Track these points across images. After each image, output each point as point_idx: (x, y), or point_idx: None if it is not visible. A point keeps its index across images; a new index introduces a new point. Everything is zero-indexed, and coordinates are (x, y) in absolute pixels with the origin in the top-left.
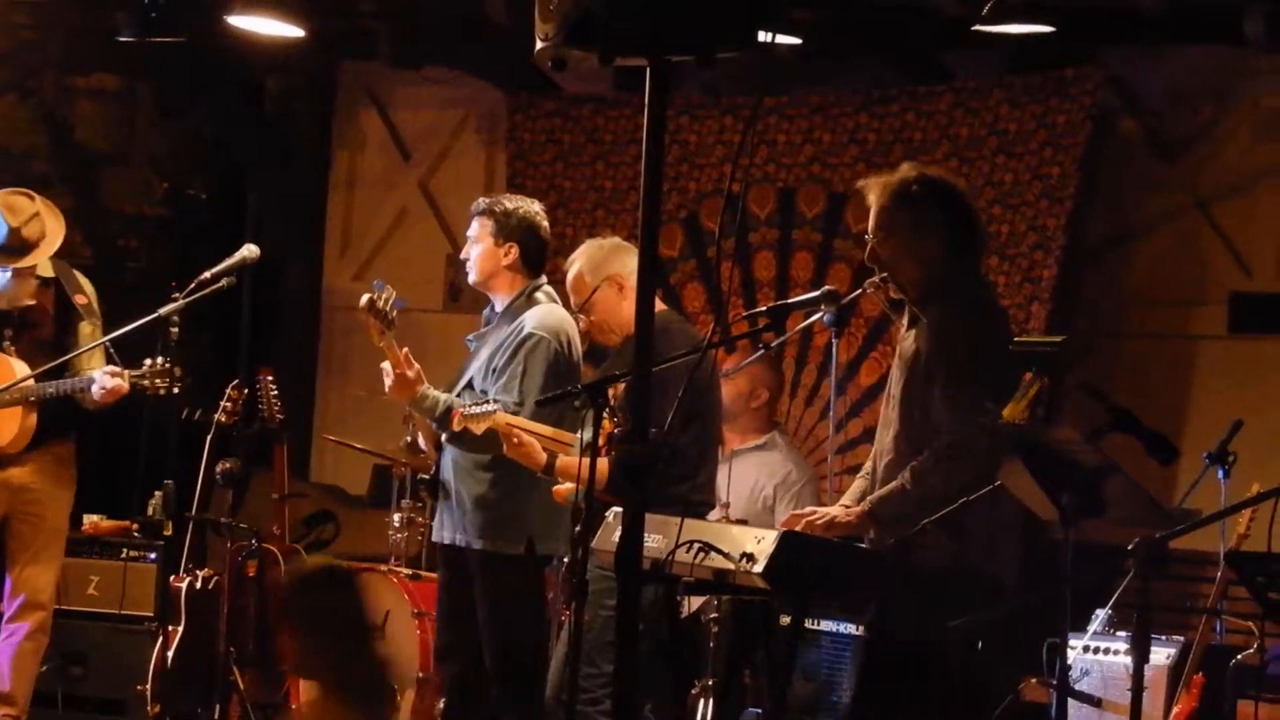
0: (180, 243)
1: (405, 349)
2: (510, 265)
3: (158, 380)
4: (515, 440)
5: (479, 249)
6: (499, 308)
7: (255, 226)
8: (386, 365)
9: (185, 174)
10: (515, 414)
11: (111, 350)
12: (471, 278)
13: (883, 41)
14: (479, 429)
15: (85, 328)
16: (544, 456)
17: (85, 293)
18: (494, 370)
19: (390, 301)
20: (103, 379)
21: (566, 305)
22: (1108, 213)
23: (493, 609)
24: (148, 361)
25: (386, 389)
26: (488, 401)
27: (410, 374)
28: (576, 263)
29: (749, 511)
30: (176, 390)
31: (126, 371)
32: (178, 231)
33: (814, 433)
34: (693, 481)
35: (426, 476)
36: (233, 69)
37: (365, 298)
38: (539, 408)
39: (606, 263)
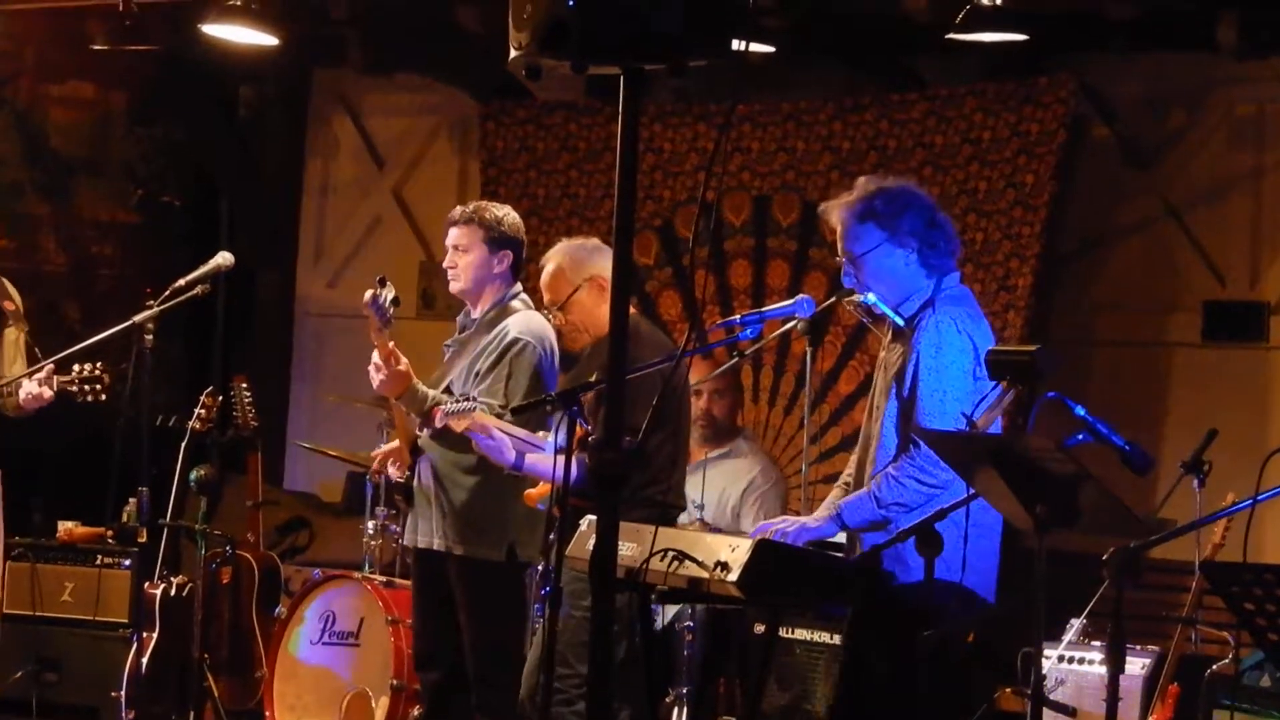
0: (154, 250)
1: (393, 343)
2: (500, 273)
3: (85, 386)
4: (485, 434)
5: (470, 257)
6: (477, 314)
7: (229, 234)
8: (377, 359)
9: (159, 181)
10: (500, 417)
11: (40, 357)
12: (458, 286)
13: (855, 49)
14: (459, 427)
15: (10, 334)
16: (513, 454)
17: (12, 298)
18: (477, 374)
19: (390, 299)
20: (29, 385)
21: (539, 306)
22: (1081, 220)
23: (474, 615)
24: (75, 367)
25: (375, 385)
26: (469, 399)
27: (401, 368)
28: (554, 260)
29: (718, 519)
30: (104, 397)
31: (56, 378)
32: (152, 239)
33: (794, 441)
34: (665, 484)
35: (401, 481)
36: (206, 77)
37: (368, 293)
38: (513, 415)
39: (589, 262)
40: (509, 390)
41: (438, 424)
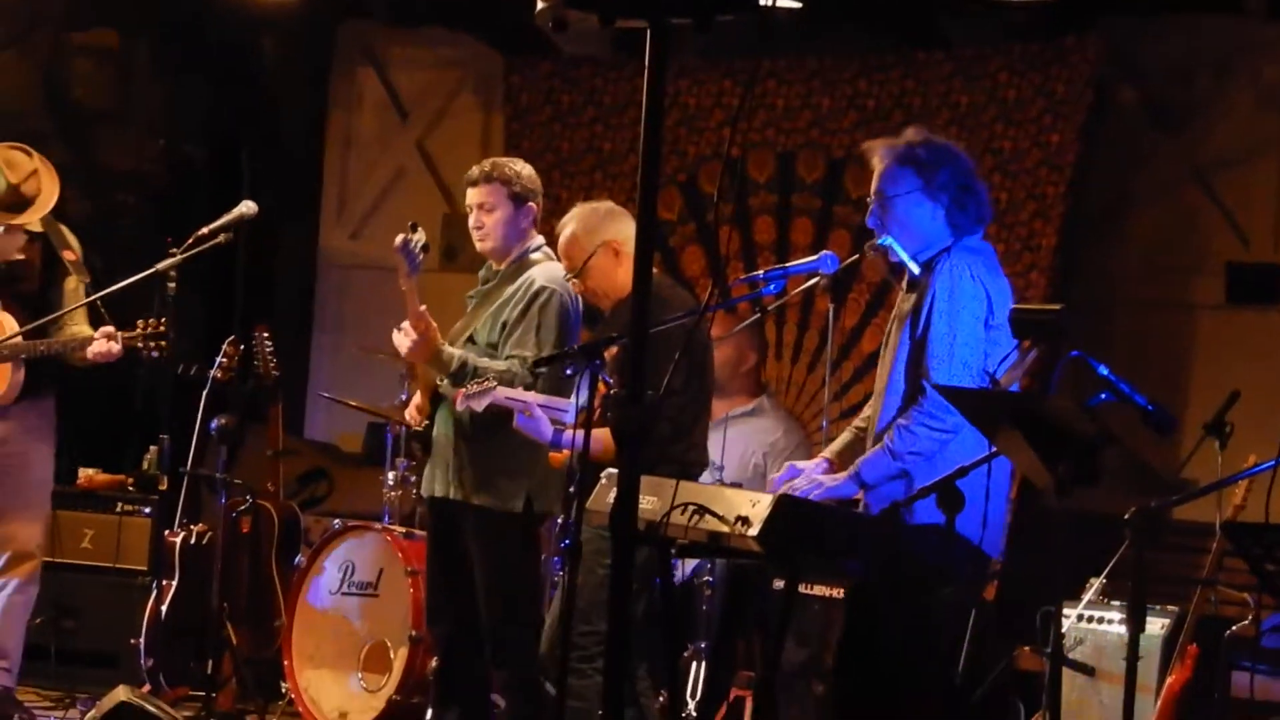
0: (175, 200)
1: (424, 305)
2: (527, 226)
3: (150, 342)
4: (527, 413)
5: (498, 215)
6: (499, 265)
7: (251, 185)
8: (406, 325)
9: (181, 132)
10: (534, 367)
11: (103, 309)
12: (488, 245)
13: (880, 5)
14: (480, 407)
15: (70, 283)
16: (550, 429)
17: (73, 248)
18: (504, 324)
19: (420, 244)
20: (98, 342)
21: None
22: (1106, 182)
23: (489, 566)
24: (140, 323)
25: (404, 351)
26: (486, 378)
27: (429, 332)
28: (570, 226)
29: (740, 477)
30: (166, 353)
31: (120, 333)
32: (173, 189)
33: (816, 398)
34: (686, 441)
35: (419, 429)
36: (230, 27)
37: (399, 237)
38: (536, 369)
39: (602, 227)
40: (540, 340)
41: (459, 407)
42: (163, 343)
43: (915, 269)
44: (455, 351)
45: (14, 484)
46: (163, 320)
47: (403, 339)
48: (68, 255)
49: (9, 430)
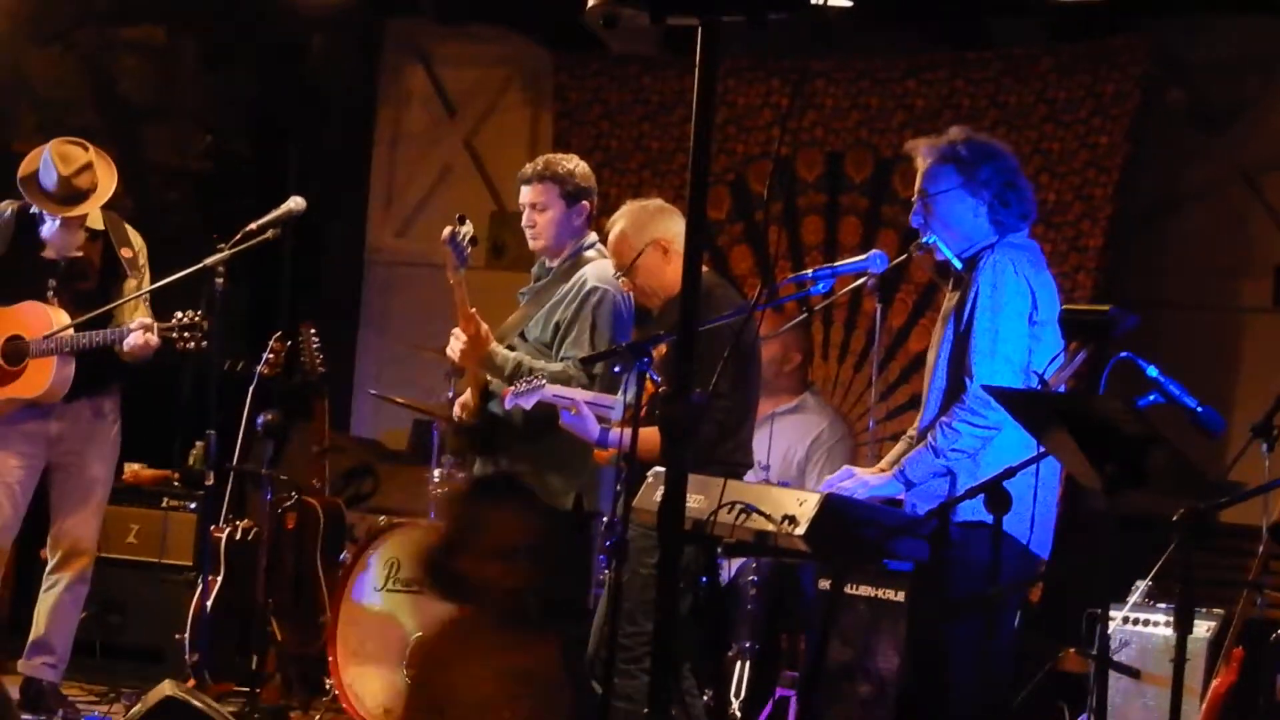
0: (221, 197)
1: (474, 308)
2: (580, 224)
3: (186, 334)
4: (574, 410)
5: (550, 214)
6: (553, 263)
7: (298, 181)
8: (456, 330)
9: (228, 128)
10: (582, 365)
11: (148, 305)
12: (540, 244)
13: (930, 5)
14: (528, 405)
15: (131, 283)
16: (597, 428)
17: (132, 246)
18: (557, 325)
19: (468, 237)
20: (134, 335)
21: None
22: (1153, 183)
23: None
24: (177, 314)
25: (455, 354)
26: (535, 377)
27: (481, 335)
28: (619, 224)
29: (784, 475)
30: (205, 345)
31: (157, 324)
32: (219, 185)
33: (862, 398)
34: (732, 442)
35: (467, 424)
36: (277, 22)
37: (447, 229)
38: (583, 365)
39: (652, 225)
40: (595, 342)
41: (507, 405)
42: (198, 334)
43: (959, 265)
44: (509, 354)
45: (71, 482)
46: (199, 312)
47: (454, 344)
48: (124, 253)
49: (64, 429)
